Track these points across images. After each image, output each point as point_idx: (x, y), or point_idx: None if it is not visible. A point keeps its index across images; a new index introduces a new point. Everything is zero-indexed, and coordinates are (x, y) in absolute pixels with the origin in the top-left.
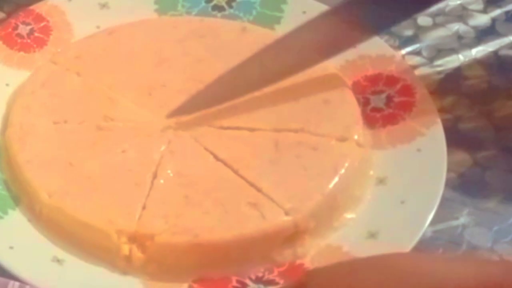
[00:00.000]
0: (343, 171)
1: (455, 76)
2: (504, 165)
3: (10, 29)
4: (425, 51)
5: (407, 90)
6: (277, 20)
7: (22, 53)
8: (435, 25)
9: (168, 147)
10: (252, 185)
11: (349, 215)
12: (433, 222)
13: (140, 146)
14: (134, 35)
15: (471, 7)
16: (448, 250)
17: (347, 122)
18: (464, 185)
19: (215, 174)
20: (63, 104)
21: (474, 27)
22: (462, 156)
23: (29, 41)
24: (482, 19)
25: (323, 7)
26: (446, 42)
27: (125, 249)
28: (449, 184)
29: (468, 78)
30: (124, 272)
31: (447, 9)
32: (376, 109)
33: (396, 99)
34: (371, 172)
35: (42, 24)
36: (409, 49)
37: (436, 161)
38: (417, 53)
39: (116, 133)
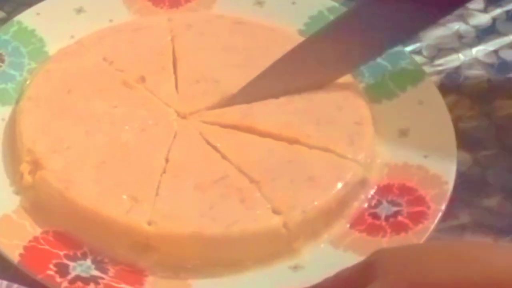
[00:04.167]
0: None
1: (455, 76)
2: (505, 164)
3: None
4: (426, 50)
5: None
6: None
7: (150, 3)
8: (436, 24)
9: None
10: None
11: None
12: None
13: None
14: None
15: (472, 6)
16: None
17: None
18: (465, 185)
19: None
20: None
21: (475, 27)
22: (463, 156)
23: None
24: (483, 19)
25: None
26: (447, 41)
27: (24, 166)
28: None
29: (469, 77)
30: (18, 191)
31: None
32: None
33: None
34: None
35: None
36: (409, 48)
37: None
38: (417, 52)
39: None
